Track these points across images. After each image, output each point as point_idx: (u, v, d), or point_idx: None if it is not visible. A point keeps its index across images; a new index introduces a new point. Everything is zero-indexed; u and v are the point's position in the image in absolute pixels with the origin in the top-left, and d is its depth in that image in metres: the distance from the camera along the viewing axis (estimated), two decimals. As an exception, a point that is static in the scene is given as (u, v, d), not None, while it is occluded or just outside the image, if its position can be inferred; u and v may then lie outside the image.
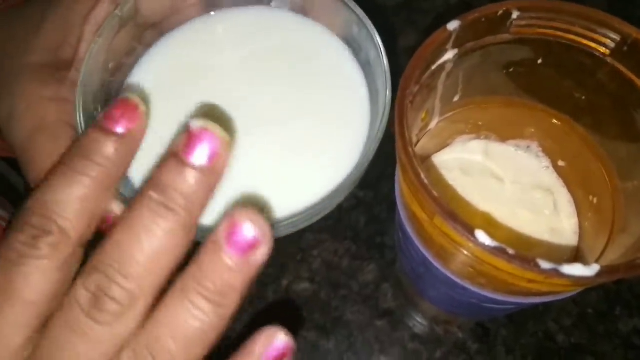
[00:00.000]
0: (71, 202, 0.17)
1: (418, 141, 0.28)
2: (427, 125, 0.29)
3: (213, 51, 0.28)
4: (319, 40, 0.27)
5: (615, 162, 0.26)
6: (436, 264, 0.25)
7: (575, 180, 0.30)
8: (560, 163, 0.30)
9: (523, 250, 0.18)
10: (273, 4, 0.28)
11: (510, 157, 0.31)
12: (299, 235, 0.42)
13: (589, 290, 0.39)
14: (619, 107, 0.25)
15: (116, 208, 0.21)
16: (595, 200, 0.28)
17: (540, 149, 0.31)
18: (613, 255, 0.25)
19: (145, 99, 0.26)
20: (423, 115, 0.27)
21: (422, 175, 0.20)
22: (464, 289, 0.25)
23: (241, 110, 0.26)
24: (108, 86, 0.25)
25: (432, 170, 0.30)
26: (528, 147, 0.31)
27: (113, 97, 0.26)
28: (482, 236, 0.19)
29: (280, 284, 0.40)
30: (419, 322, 0.39)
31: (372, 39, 0.24)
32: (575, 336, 0.38)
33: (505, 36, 0.25)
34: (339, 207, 0.43)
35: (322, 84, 0.26)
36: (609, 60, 0.24)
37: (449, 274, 0.24)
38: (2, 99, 0.25)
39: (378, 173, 0.44)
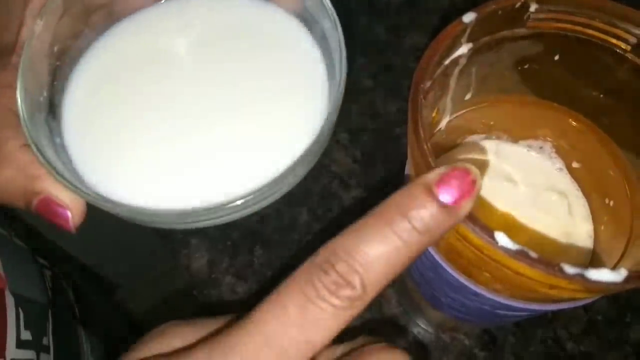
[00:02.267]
0: (380, 262, 0.17)
1: (429, 139, 0.27)
2: (437, 124, 0.28)
3: (165, 37, 0.27)
4: (271, 19, 0.27)
5: (635, 165, 0.25)
6: (449, 269, 0.23)
7: (590, 183, 0.28)
8: (575, 165, 0.29)
9: (538, 253, 0.17)
10: None
11: (522, 158, 0.30)
12: (300, 238, 0.41)
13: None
14: (639, 107, 0.24)
15: (69, 199, 0.22)
16: (611, 204, 0.27)
17: (554, 150, 0.30)
18: (632, 261, 0.24)
19: (95, 85, 0.25)
20: (434, 113, 0.26)
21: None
22: (477, 294, 0.24)
23: (196, 93, 0.25)
24: (55, 70, 0.24)
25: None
26: (541, 147, 0.30)
27: (60, 82, 0.25)
28: (502, 239, 0.17)
29: (281, 288, 0.39)
30: (424, 329, 0.38)
31: (325, 8, 0.23)
32: (584, 344, 0.37)
33: (522, 30, 0.24)
34: (343, 210, 0.42)
35: (276, 62, 0.26)
36: (630, 56, 0.23)
37: (462, 280, 0.23)
38: None
39: (381, 176, 0.43)
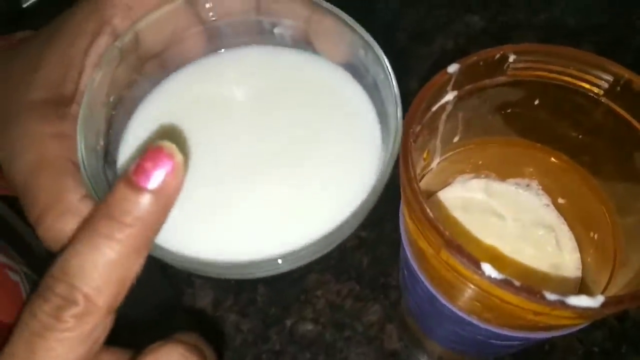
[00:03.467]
0: (99, 269, 0.17)
1: (420, 179, 0.29)
2: (428, 164, 0.29)
3: (219, 89, 0.28)
4: (323, 72, 0.27)
5: (614, 198, 0.27)
6: (442, 299, 0.25)
7: (575, 217, 0.30)
8: (560, 200, 0.31)
9: (527, 284, 0.19)
10: (276, 30, 0.28)
11: (510, 195, 0.32)
12: (302, 276, 0.42)
13: (594, 328, 0.39)
14: (615, 145, 0.26)
15: None
16: (595, 237, 0.28)
17: (540, 187, 0.31)
18: (616, 289, 0.25)
19: (150, 133, 0.25)
20: (425, 154, 0.28)
21: (428, 210, 0.21)
22: (471, 324, 0.25)
23: (249, 147, 0.26)
24: (110, 120, 0.25)
25: (435, 208, 0.31)
26: (528, 185, 0.32)
27: (115, 132, 0.25)
28: (488, 269, 0.19)
29: (284, 325, 0.40)
30: (424, 363, 0.39)
31: (380, 61, 0.24)
32: (581, 376, 0.38)
33: (502, 78, 0.26)
34: (342, 248, 0.44)
35: (329, 114, 0.26)
36: (603, 100, 0.25)
37: (455, 310, 0.25)
38: (3, 139, 0.24)
39: (380, 214, 0.44)
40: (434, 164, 0.30)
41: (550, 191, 0.31)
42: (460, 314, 0.25)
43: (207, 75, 0.28)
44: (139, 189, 0.17)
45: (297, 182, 0.24)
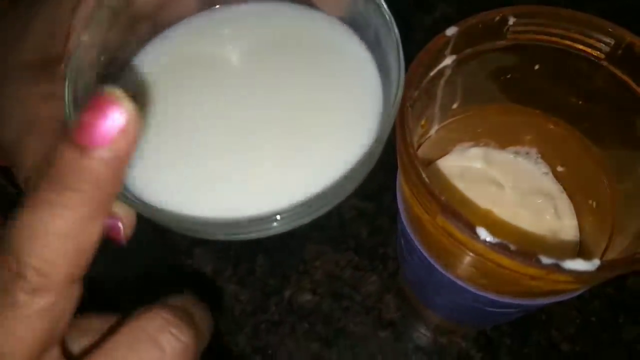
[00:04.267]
0: (48, 240, 0.15)
1: (418, 147, 0.29)
2: (426, 132, 0.29)
3: (214, 45, 0.27)
4: (322, 27, 0.26)
5: (613, 164, 0.26)
6: (439, 267, 0.25)
7: (574, 185, 0.30)
8: (559, 169, 0.30)
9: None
10: None
11: (509, 163, 0.32)
12: (301, 246, 0.42)
13: (591, 298, 0.39)
14: (615, 110, 0.25)
15: (121, 210, 0.21)
16: (594, 204, 0.28)
17: (539, 155, 0.31)
18: (613, 255, 0.25)
19: (142, 92, 0.24)
20: (423, 122, 0.28)
21: (424, 175, 0.20)
22: (467, 292, 0.25)
23: (246, 101, 0.25)
24: (101, 80, 0.24)
25: (433, 176, 0.31)
26: (527, 153, 0.31)
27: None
28: (483, 233, 0.19)
29: (282, 296, 0.40)
30: (422, 333, 0.39)
31: (380, 10, 0.23)
32: (579, 344, 0.38)
33: (502, 42, 0.25)
34: (341, 218, 0.44)
35: (328, 70, 0.26)
36: (604, 64, 0.25)
37: (452, 277, 0.25)
38: None
39: (379, 184, 0.44)
40: (432, 132, 0.30)
41: (550, 159, 0.31)
42: (457, 281, 0.25)
43: (200, 33, 0.27)
44: (84, 149, 0.15)
45: (294, 140, 0.24)
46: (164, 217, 0.21)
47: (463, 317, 0.32)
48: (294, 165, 0.23)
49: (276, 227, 0.21)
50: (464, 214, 0.19)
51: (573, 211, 0.30)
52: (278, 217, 0.20)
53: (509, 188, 0.31)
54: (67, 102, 0.21)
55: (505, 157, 0.32)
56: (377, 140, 0.21)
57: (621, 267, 0.18)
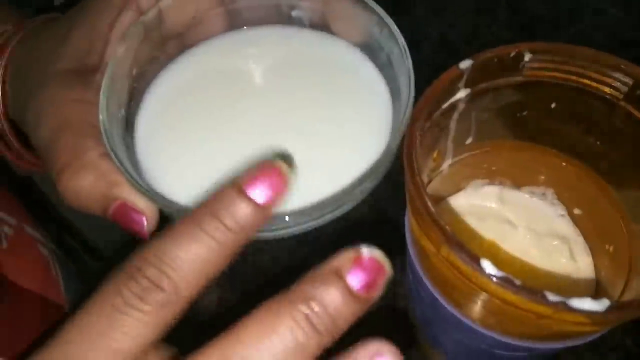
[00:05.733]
0: (192, 263, 0.17)
1: (430, 181, 0.28)
2: (439, 166, 0.29)
3: (237, 62, 0.29)
4: (338, 51, 0.28)
5: (630, 206, 0.26)
6: (445, 303, 0.24)
7: (591, 228, 0.29)
8: (576, 211, 0.29)
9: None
10: (294, 13, 0.29)
11: (525, 204, 0.31)
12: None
13: (608, 351, 0.37)
14: (632, 151, 0.25)
15: (145, 206, 0.23)
16: (611, 248, 0.27)
17: (556, 196, 0.30)
18: (630, 298, 0.24)
19: (167, 104, 0.27)
20: (435, 155, 0.27)
21: (429, 204, 0.20)
22: (474, 331, 0.24)
23: (264, 114, 0.27)
24: (132, 91, 0.26)
25: (445, 213, 0.30)
26: (543, 194, 0.31)
27: (135, 103, 0.27)
28: (488, 266, 0.18)
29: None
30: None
31: (394, 36, 0.25)
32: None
33: (518, 78, 0.25)
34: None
35: (342, 90, 0.27)
36: (622, 104, 0.24)
37: (457, 314, 0.24)
38: (31, 106, 0.26)
39: (390, 220, 0.44)
40: (444, 166, 0.29)
41: (566, 201, 0.30)
42: (463, 319, 0.24)
43: (224, 51, 0.29)
44: (248, 199, 0.17)
45: (308, 149, 0.25)
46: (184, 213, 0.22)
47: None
48: (307, 171, 0.24)
49: (287, 227, 0.22)
50: (468, 246, 0.19)
51: (589, 254, 0.29)
52: (287, 217, 0.21)
53: (522, 228, 0.30)
54: (101, 108, 0.23)
55: (520, 197, 0.31)
56: (385, 152, 0.22)
57: (633, 309, 0.17)
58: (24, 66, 0.28)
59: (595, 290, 0.28)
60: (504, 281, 0.18)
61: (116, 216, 0.23)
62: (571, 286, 0.27)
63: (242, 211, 0.17)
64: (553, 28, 0.56)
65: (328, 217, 0.23)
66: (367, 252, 0.17)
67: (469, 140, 0.28)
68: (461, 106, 0.26)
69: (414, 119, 0.22)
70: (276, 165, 0.18)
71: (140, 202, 0.23)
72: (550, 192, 0.30)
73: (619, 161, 0.26)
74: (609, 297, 0.25)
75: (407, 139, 0.22)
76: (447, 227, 0.19)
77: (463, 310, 0.23)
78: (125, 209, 0.23)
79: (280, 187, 0.18)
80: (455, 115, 0.26)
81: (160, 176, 0.25)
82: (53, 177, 0.24)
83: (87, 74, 0.26)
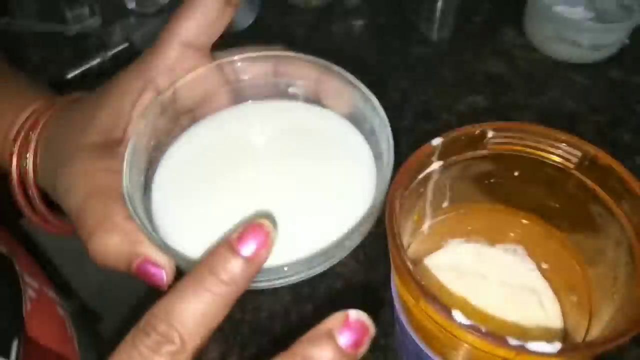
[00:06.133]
0: (196, 316, 0.20)
1: (410, 244, 0.32)
2: (419, 227, 0.32)
3: (240, 131, 0.33)
4: (329, 122, 0.33)
5: (589, 260, 0.29)
6: (426, 350, 0.27)
7: (557, 280, 0.32)
8: (544, 265, 0.33)
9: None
10: (290, 89, 0.34)
11: (499, 260, 0.34)
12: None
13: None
14: (586, 211, 0.29)
15: (164, 260, 0.26)
16: (575, 299, 0.30)
17: (526, 252, 0.34)
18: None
19: (179, 170, 0.31)
20: (415, 217, 0.31)
21: (408, 262, 0.23)
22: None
23: (264, 178, 0.31)
24: (149, 160, 0.30)
25: (425, 270, 0.33)
26: (515, 250, 0.34)
27: (152, 170, 0.31)
28: (458, 315, 0.21)
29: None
30: None
31: (376, 110, 0.29)
32: None
33: (484, 152, 0.29)
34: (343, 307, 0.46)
35: (332, 154, 0.32)
36: (574, 172, 0.28)
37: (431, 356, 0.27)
38: (62, 175, 0.29)
39: (386, 275, 0.47)
40: (425, 227, 0.33)
41: (535, 256, 0.33)
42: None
43: (229, 122, 0.34)
44: (238, 254, 0.21)
45: (300, 208, 0.29)
46: (182, 261, 0.26)
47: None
48: (300, 227, 0.28)
49: (284, 276, 0.25)
50: (443, 299, 0.22)
51: (557, 303, 0.32)
52: (285, 268, 0.24)
53: (496, 283, 0.33)
54: (124, 175, 0.27)
55: (494, 254, 0.34)
56: (370, 209, 0.26)
57: (581, 350, 0.21)
58: (54, 139, 0.32)
59: (564, 335, 0.31)
60: (472, 329, 0.21)
61: (139, 271, 0.26)
62: (541, 333, 0.30)
63: (234, 266, 0.20)
64: (525, 95, 0.61)
65: (319, 268, 0.27)
66: (354, 314, 0.21)
67: (445, 204, 0.32)
68: (435, 176, 0.29)
69: (393, 189, 0.26)
70: (260, 223, 0.21)
71: (159, 258, 0.26)
72: (520, 249, 0.34)
73: (576, 220, 0.29)
74: (575, 339, 0.28)
75: (388, 206, 0.25)
76: (423, 283, 0.23)
77: (443, 357, 0.26)
78: (147, 264, 0.26)
79: (266, 242, 0.21)
80: (431, 184, 0.30)
81: (174, 233, 0.28)
82: (83, 239, 0.27)
83: (112, 146, 0.30)
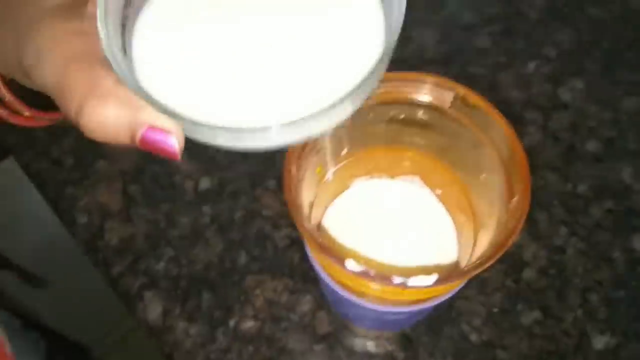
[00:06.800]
0: None
1: (317, 194, 0.35)
2: (324, 176, 0.35)
3: None
4: None
5: (473, 186, 0.33)
6: (339, 291, 0.30)
7: (450, 203, 0.36)
8: (437, 192, 0.37)
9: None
10: None
11: (400, 191, 0.38)
12: (242, 278, 0.47)
13: (493, 291, 0.46)
14: (463, 143, 0.32)
15: (169, 124, 0.23)
16: (464, 219, 0.35)
17: (422, 181, 0.37)
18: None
19: (161, 22, 0.26)
20: (317, 169, 0.34)
21: (304, 223, 0.26)
22: (363, 307, 0.31)
23: (257, 22, 0.27)
24: (126, 16, 0.26)
25: (332, 218, 0.37)
26: (412, 180, 0.38)
27: (128, 27, 0.26)
28: (350, 264, 0.25)
29: (228, 325, 0.45)
30: (352, 341, 0.44)
31: None
32: (485, 334, 0.44)
33: (371, 101, 0.32)
34: (276, 248, 0.49)
35: None
36: (450, 111, 0.31)
37: (349, 296, 0.30)
38: (26, 46, 0.25)
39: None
40: (329, 174, 0.35)
41: (429, 184, 0.37)
42: (354, 299, 0.30)
43: None
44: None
45: (300, 57, 0.25)
46: (209, 130, 0.22)
47: (375, 325, 0.38)
48: (297, 82, 0.24)
49: (282, 132, 0.22)
50: (334, 249, 0.25)
51: (452, 223, 0.36)
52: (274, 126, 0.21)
53: (401, 212, 0.37)
54: (102, 36, 0.23)
55: (396, 185, 0.38)
56: (384, 53, 0.22)
57: (454, 278, 0.24)
58: (4, 5, 0.27)
59: (458, 248, 0.35)
60: (362, 273, 0.24)
61: (145, 141, 0.23)
62: (440, 258, 0.35)
63: None
64: (426, 12, 0.63)
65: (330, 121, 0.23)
66: None
67: (344, 152, 0.35)
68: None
69: (289, 155, 0.28)
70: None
71: (166, 123, 0.23)
72: (417, 178, 0.37)
73: (456, 151, 0.33)
74: (467, 254, 0.32)
75: (284, 174, 0.27)
76: (320, 240, 0.25)
77: (353, 293, 0.30)
78: (154, 132, 0.23)
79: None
80: (327, 138, 0.32)
81: (163, 94, 0.24)
82: (71, 114, 0.24)
83: (78, 6, 0.25)
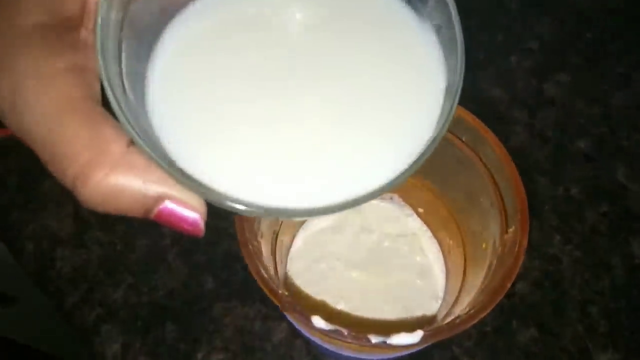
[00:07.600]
0: None
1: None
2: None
3: (257, 11, 0.22)
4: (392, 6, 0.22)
5: (458, 209, 0.29)
6: (310, 337, 0.26)
7: (435, 223, 0.32)
8: (420, 210, 0.33)
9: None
10: None
11: (376, 209, 0.34)
12: (209, 305, 0.43)
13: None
14: (451, 164, 0.28)
15: (192, 200, 0.20)
16: (452, 242, 0.31)
17: (401, 199, 0.33)
18: (466, 295, 0.27)
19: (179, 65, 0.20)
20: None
21: (272, 285, 0.22)
22: (341, 353, 0.27)
23: (296, 72, 0.21)
24: (120, 43, 0.19)
25: (308, 237, 0.32)
26: (391, 198, 0.33)
27: (127, 54, 0.20)
28: (318, 321, 0.20)
29: (195, 359, 0.41)
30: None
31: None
32: (478, 356, 0.41)
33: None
34: (245, 272, 0.45)
35: (388, 45, 0.22)
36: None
37: (331, 347, 0.26)
38: (2, 81, 0.19)
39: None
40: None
41: (410, 203, 0.33)
42: (335, 349, 0.26)
43: None
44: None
45: (348, 127, 0.20)
46: (247, 209, 0.18)
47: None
48: (346, 156, 0.20)
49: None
50: (302, 309, 0.21)
51: (437, 245, 0.32)
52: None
53: (379, 233, 0.33)
54: (104, 78, 0.17)
55: (371, 204, 0.34)
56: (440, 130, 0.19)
57: (444, 333, 0.20)
58: None
59: (446, 275, 0.31)
60: (334, 333, 0.20)
61: (163, 216, 0.19)
62: (425, 282, 0.31)
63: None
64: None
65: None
66: None
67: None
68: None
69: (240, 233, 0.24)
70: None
71: (189, 198, 0.19)
72: (396, 196, 0.33)
73: (443, 172, 0.29)
74: (452, 291, 0.28)
75: (239, 233, 0.23)
76: (284, 295, 0.21)
77: (330, 345, 0.26)
78: (174, 208, 0.19)
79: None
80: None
81: (181, 155, 0.20)
82: (68, 178, 0.19)
83: (66, 29, 0.20)
